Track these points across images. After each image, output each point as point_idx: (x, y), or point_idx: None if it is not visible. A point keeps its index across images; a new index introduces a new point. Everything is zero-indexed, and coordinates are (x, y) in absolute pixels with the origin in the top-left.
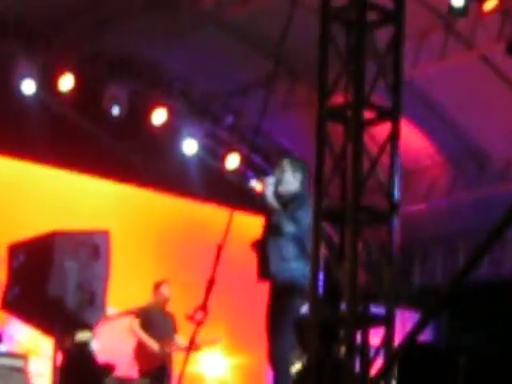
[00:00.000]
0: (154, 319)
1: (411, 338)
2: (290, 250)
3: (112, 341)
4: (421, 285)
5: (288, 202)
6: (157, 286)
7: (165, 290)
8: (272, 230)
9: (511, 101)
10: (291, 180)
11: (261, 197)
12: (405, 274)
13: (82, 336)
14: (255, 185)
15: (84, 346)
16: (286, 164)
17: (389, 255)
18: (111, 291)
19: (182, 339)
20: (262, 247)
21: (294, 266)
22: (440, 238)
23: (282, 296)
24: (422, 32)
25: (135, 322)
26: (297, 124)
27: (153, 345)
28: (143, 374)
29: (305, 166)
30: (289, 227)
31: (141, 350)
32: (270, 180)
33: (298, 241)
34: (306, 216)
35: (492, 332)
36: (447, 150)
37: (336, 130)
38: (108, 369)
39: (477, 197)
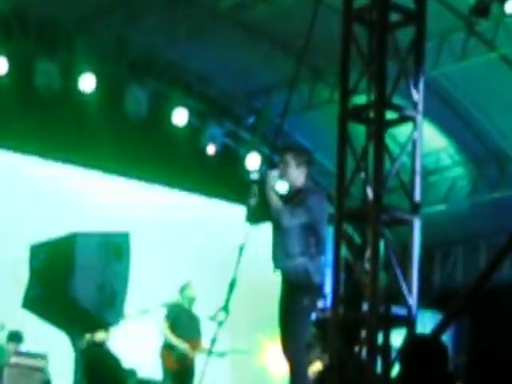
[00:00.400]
0: (182, 321)
1: (433, 338)
2: (294, 245)
3: (134, 340)
4: (441, 285)
5: (292, 197)
6: (183, 288)
7: (190, 292)
8: (273, 224)
9: None
10: (295, 174)
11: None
12: (426, 276)
13: (97, 336)
14: (255, 177)
15: (100, 347)
16: (290, 158)
17: (411, 256)
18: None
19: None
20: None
21: (298, 262)
22: (461, 238)
23: (289, 293)
24: (443, 32)
25: (165, 325)
26: (318, 124)
27: (182, 346)
28: (167, 373)
29: (309, 159)
30: (289, 221)
31: (167, 351)
32: (274, 173)
33: (302, 235)
34: (319, 209)
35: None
36: (468, 151)
37: (357, 130)
38: (132, 371)
39: (498, 198)
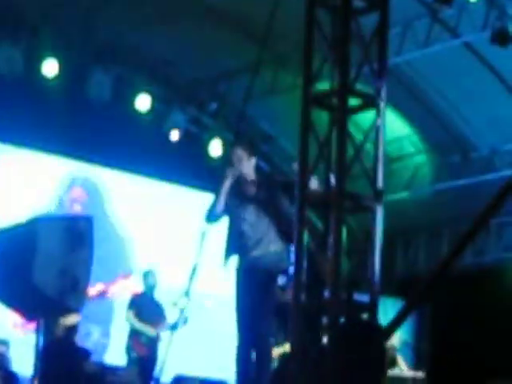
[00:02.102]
0: (145, 308)
1: (394, 326)
2: (266, 233)
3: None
4: (404, 273)
5: (248, 189)
6: (145, 275)
7: (152, 279)
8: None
9: (495, 89)
10: (248, 166)
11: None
12: (388, 262)
13: (68, 320)
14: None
15: (71, 330)
16: (242, 151)
17: (373, 243)
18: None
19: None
20: None
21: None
22: (423, 226)
23: (263, 280)
24: (407, 19)
25: (130, 313)
26: (282, 110)
27: (148, 330)
28: (133, 359)
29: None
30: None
31: (136, 337)
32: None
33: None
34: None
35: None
36: (431, 138)
37: (320, 117)
38: (86, 353)
39: (460, 185)
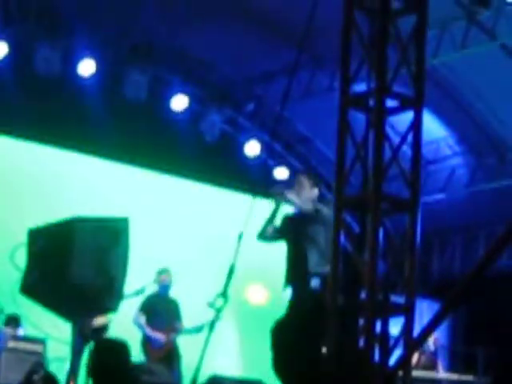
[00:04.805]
0: (158, 310)
1: (431, 327)
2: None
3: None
4: (439, 274)
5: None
6: (159, 274)
7: (167, 277)
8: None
9: None
10: (308, 196)
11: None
12: (424, 264)
13: (98, 321)
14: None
15: (101, 332)
16: (304, 179)
17: (411, 244)
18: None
19: (182, 324)
20: None
21: None
22: (459, 228)
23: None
24: (444, 21)
25: (141, 317)
26: (318, 112)
27: (158, 336)
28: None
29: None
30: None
31: (147, 341)
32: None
33: None
34: None
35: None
36: (467, 140)
37: (357, 118)
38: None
39: (497, 187)
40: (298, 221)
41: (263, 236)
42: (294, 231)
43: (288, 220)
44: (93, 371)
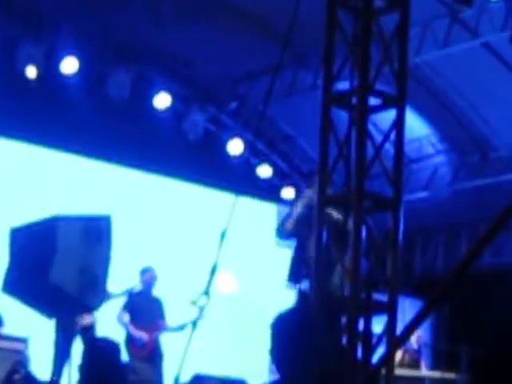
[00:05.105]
0: (141, 308)
1: (414, 325)
2: None
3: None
4: (422, 273)
5: None
6: (143, 272)
7: (151, 276)
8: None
9: None
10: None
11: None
12: (407, 262)
13: (86, 320)
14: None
15: (89, 330)
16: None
17: (394, 242)
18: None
19: (166, 323)
20: None
21: None
22: (442, 226)
23: None
24: (426, 19)
25: (124, 316)
26: (302, 110)
27: (141, 335)
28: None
29: None
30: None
31: (130, 340)
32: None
33: None
34: None
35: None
36: (451, 138)
37: (340, 117)
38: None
39: (480, 185)
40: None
41: (281, 232)
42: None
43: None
44: (85, 370)
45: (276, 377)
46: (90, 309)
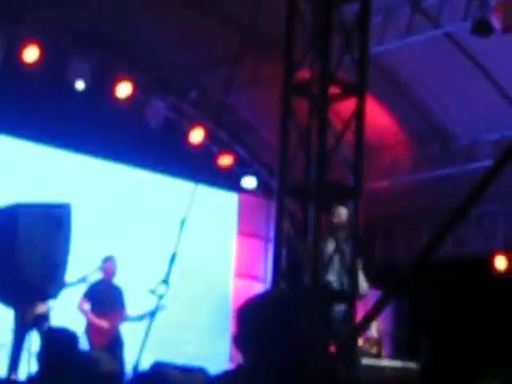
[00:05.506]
0: (102, 297)
1: (373, 314)
2: None
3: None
4: (382, 262)
5: None
6: (104, 262)
7: (111, 266)
8: None
9: (476, 79)
10: None
11: None
12: (367, 251)
13: (40, 309)
14: None
15: (43, 319)
16: None
17: (354, 231)
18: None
19: (126, 312)
20: None
21: None
22: (402, 215)
23: None
24: (388, 8)
25: (86, 306)
26: (263, 99)
27: (102, 323)
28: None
29: None
30: None
31: (91, 328)
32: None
33: None
34: None
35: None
36: (411, 128)
37: (302, 106)
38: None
39: (440, 175)
40: None
41: None
42: None
43: None
44: (43, 359)
45: (237, 364)
46: (49, 296)
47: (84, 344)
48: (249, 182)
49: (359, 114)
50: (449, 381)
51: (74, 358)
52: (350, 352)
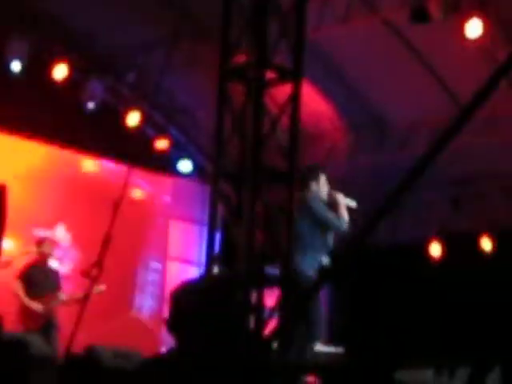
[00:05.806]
0: (36, 278)
1: (306, 298)
2: None
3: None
4: None
5: None
6: (38, 244)
7: (46, 248)
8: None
9: (413, 67)
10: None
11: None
12: None
13: None
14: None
15: None
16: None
17: (288, 216)
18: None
19: (63, 295)
20: None
21: None
22: None
23: None
24: None
25: (18, 286)
26: (199, 83)
27: (36, 306)
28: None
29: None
30: None
31: (25, 311)
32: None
33: None
34: None
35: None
36: (348, 115)
37: (238, 90)
38: None
39: (376, 162)
40: None
41: None
42: None
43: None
44: None
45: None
46: None
47: (18, 327)
48: (184, 165)
49: (295, 99)
50: (378, 366)
51: None
52: (283, 336)
